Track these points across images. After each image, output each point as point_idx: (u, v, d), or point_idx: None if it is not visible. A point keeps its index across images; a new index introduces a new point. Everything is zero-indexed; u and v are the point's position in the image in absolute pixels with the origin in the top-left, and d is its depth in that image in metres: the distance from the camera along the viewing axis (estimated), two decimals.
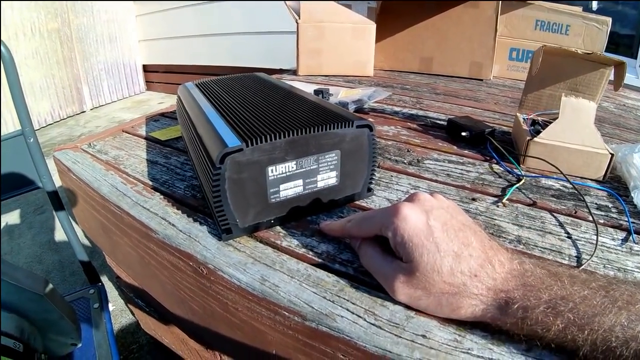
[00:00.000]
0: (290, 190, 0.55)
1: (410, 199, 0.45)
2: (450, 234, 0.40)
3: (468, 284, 0.38)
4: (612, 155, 0.72)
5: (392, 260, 0.43)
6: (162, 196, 0.67)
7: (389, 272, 0.43)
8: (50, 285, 0.62)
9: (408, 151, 0.85)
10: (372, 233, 0.46)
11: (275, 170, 0.51)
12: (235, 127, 0.53)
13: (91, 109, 4.98)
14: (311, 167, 0.54)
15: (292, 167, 0.53)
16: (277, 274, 0.48)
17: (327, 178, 0.57)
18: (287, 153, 0.51)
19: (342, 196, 0.61)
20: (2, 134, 0.98)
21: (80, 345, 0.69)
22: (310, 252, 0.52)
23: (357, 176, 0.61)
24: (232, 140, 0.49)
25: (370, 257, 0.46)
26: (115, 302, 1.65)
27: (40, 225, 2.30)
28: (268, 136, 0.49)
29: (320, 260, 0.51)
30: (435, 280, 0.39)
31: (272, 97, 0.69)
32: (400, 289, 0.41)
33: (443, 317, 0.41)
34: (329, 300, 0.44)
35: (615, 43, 2.47)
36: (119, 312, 1.62)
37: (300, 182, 0.55)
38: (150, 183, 0.72)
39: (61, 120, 4.53)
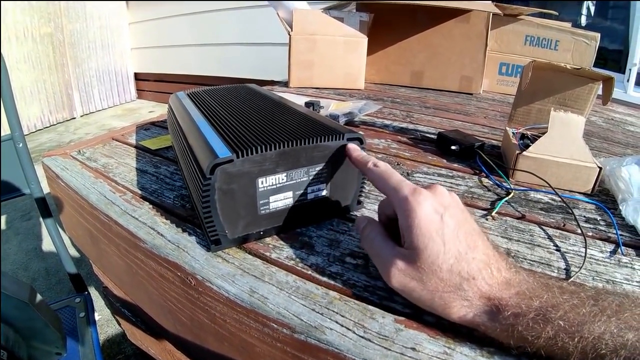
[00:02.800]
0: (280, 202, 0.54)
1: (431, 188, 0.44)
2: (460, 235, 0.40)
3: (464, 285, 0.38)
4: (601, 168, 0.72)
5: (394, 246, 0.43)
6: (151, 205, 0.67)
7: (388, 256, 0.43)
8: (36, 293, 0.62)
9: (398, 164, 0.85)
10: (382, 192, 0.46)
11: (265, 182, 0.51)
12: (226, 138, 0.53)
13: (81, 116, 4.96)
14: (301, 179, 0.54)
15: (283, 179, 0.53)
16: (266, 285, 0.48)
17: (318, 190, 0.57)
18: (277, 165, 0.51)
19: (332, 208, 0.61)
20: None
21: (65, 354, 0.68)
22: (300, 264, 0.52)
23: (347, 188, 0.61)
24: (222, 150, 0.48)
25: (372, 240, 0.46)
26: (102, 312, 1.64)
27: (26, 231, 2.27)
28: (259, 147, 0.49)
29: (309, 272, 0.51)
30: (434, 274, 0.39)
31: (263, 109, 0.69)
32: (396, 276, 0.41)
33: (433, 312, 0.41)
34: (318, 313, 0.44)
35: (604, 58, 2.51)
36: (105, 322, 1.60)
37: (290, 193, 0.54)
38: (140, 192, 0.71)
39: (51, 126, 4.51)
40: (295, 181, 0.54)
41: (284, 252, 0.55)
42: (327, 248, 0.55)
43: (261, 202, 0.53)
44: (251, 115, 0.64)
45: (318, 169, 0.55)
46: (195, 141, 0.56)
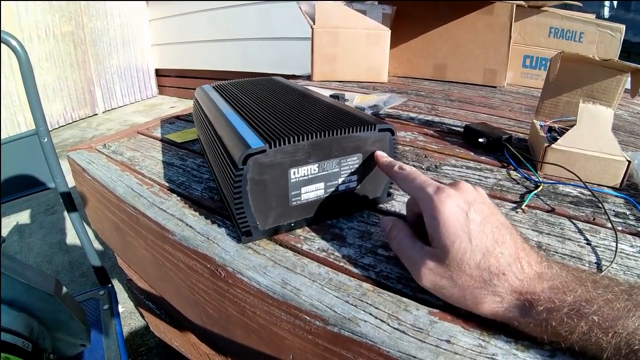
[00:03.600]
0: (311, 193, 0.54)
1: (455, 185, 0.44)
2: (486, 230, 0.39)
3: (494, 281, 0.37)
4: (629, 162, 0.71)
5: (422, 247, 0.43)
6: (178, 197, 0.67)
7: (417, 257, 0.43)
8: (61, 285, 0.62)
9: (426, 157, 0.85)
10: (410, 195, 0.48)
11: (297, 173, 0.51)
12: (257, 129, 0.52)
13: (103, 112, 5.04)
14: (333, 170, 0.54)
15: (314, 170, 0.52)
16: (298, 277, 0.48)
17: (349, 181, 0.56)
18: (309, 155, 0.51)
19: (363, 200, 0.60)
20: (15, 134, 0.99)
21: (89, 346, 0.69)
22: (332, 256, 0.52)
23: (378, 180, 0.60)
24: (254, 141, 0.48)
25: (400, 242, 0.47)
26: (125, 304, 1.66)
27: (50, 225, 2.31)
28: (291, 138, 0.48)
29: (341, 264, 0.50)
30: (463, 271, 0.39)
31: (292, 100, 0.69)
32: (426, 275, 0.42)
33: (465, 309, 0.41)
34: (352, 305, 0.43)
35: (627, 51, 2.46)
36: (129, 314, 1.62)
37: (321, 185, 0.54)
38: (167, 184, 0.72)
39: (73, 122, 4.59)
40: (326, 172, 0.53)
41: (315, 243, 0.54)
42: (359, 240, 0.55)
43: (293, 193, 0.52)
44: (280, 107, 0.64)
45: (349, 160, 0.54)
46: (225, 133, 0.56)
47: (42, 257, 2.02)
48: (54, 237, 2.20)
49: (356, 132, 0.53)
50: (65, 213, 1.08)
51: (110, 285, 1.14)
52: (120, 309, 1.23)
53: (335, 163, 0.53)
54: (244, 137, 0.50)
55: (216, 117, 0.64)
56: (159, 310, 1.04)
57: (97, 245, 1.84)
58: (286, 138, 0.48)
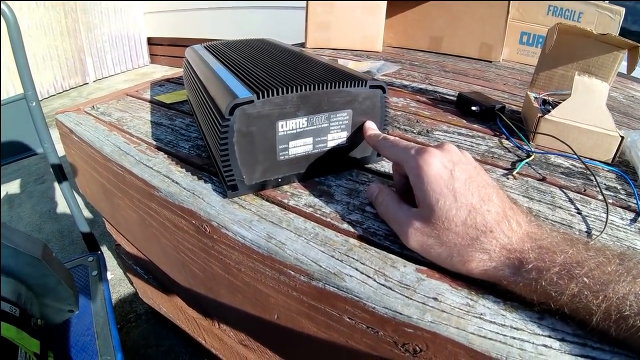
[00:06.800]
0: (299, 148, 0.53)
1: (440, 146, 0.44)
2: (472, 188, 0.39)
3: (482, 238, 0.37)
4: (622, 138, 0.70)
5: (408, 208, 0.43)
6: (166, 155, 0.66)
7: (403, 218, 0.43)
8: (49, 250, 0.61)
9: (417, 122, 0.84)
10: (395, 161, 0.48)
11: (285, 126, 0.50)
12: (245, 81, 0.51)
13: (94, 81, 4.98)
14: (322, 125, 0.53)
15: (303, 124, 0.51)
16: (284, 231, 0.47)
17: (338, 138, 0.55)
18: (298, 108, 0.50)
19: (352, 158, 0.60)
20: (3, 98, 0.98)
21: (77, 312, 0.69)
22: (318, 212, 0.51)
23: None
24: (242, 92, 0.47)
25: (386, 206, 0.47)
26: (114, 272, 1.66)
27: (40, 194, 2.29)
28: (280, 89, 0.47)
29: (328, 220, 0.50)
30: (449, 228, 0.38)
31: (284, 58, 0.68)
32: (413, 235, 0.41)
33: (453, 270, 0.40)
34: (337, 260, 0.43)
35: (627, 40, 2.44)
36: (118, 282, 1.62)
37: (310, 140, 0.53)
38: (154, 143, 0.70)
39: (64, 91, 4.54)
40: (315, 127, 0.52)
41: (302, 199, 0.54)
42: (347, 197, 0.54)
43: (280, 147, 0.51)
44: (271, 63, 0.63)
45: (339, 116, 0.53)
46: (214, 86, 0.54)
47: (32, 226, 2.01)
48: (43, 206, 2.18)
49: (347, 87, 0.51)
50: (55, 182, 1.07)
51: (99, 252, 1.14)
52: (109, 275, 1.22)
53: (324, 118, 0.52)
54: (232, 88, 0.48)
55: (205, 73, 0.62)
56: (147, 275, 1.04)
57: (86, 213, 1.84)
58: (275, 89, 0.47)
